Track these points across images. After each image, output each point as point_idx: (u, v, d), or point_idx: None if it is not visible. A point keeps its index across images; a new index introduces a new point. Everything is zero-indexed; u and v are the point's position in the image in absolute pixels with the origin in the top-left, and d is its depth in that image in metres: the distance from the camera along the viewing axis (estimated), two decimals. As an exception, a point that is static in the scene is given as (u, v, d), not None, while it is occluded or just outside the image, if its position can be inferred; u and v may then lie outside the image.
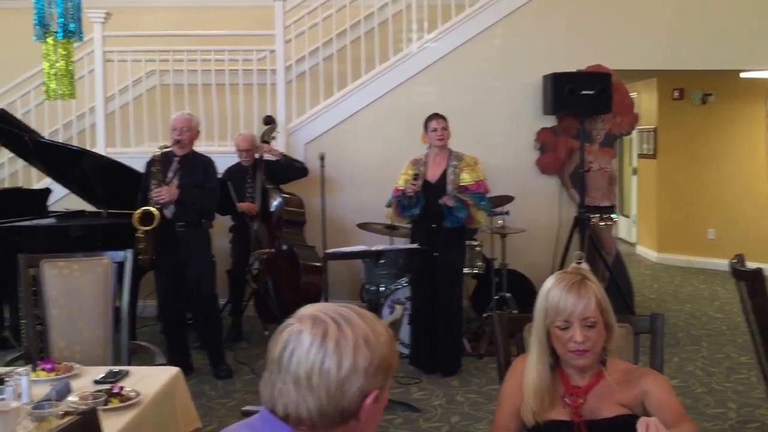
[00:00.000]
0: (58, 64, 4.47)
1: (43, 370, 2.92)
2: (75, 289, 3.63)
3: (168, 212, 5.36)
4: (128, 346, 3.71)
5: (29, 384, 2.62)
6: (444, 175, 5.44)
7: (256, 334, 6.57)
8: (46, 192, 6.30)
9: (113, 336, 3.68)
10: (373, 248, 5.02)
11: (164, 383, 2.91)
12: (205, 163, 5.50)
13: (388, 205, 5.57)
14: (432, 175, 5.49)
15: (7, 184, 7.44)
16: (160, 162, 5.38)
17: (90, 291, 3.65)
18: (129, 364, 3.64)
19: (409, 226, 5.87)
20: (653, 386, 2.17)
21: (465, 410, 4.86)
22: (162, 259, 5.40)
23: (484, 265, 6.33)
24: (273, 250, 6.28)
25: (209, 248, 5.65)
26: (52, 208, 6.79)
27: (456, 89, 7.13)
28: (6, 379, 2.58)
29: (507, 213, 6.38)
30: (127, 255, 3.72)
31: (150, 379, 2.92)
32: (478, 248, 6.25)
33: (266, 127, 6.64)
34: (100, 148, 7.10)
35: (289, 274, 6.28)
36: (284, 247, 6.34)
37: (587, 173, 6.94)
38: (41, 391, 2.69)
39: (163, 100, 7.31)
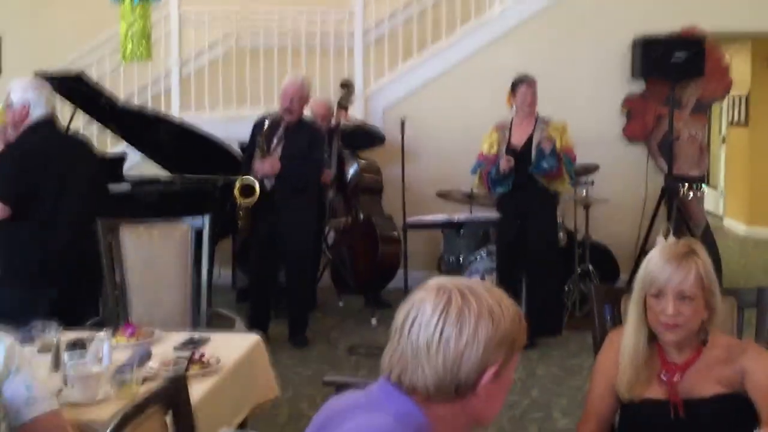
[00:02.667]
0: (135, 25, 4.43)
1: (124, 335, 2.87)
2: (154, 255, 3.59)
3: (269, 182, 5.26)
4: (207, 313, 3.66)
5: (110, 349, 2.57)
6: (530, 140, 5.24)
7: (330, 304, 6.47)
8: (121, 157, 6.30)
9: (192, 303, 3.63)
10: (455, 218, 4.84)
11: (245, 351, 2.85)
12: (311, 133, 5.36)
13: (474, 172, 5.38)
14: (517, 140, 5.30)
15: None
16: (265, 128, 5.24)
17: (169, 257, 3.61)
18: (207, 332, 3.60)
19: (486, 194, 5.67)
20: (754, 364, 2.04)
21: (545, 384, 4.71)
22: (259, 227, 5.30)
23: (566, 236, 6.10)
24: (349, 219, 6.17)
25: (311, 216, 5.47)
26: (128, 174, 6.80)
27: (539, 52, 6.84)
28: (87, 343, 2.53)
29: (591, 182, 6.12)
30: (205, 221, 3.65)
31: (230, 347, 2.85)
32: (559, 219, 6.01)
33: (343, 92, 6.50)
34: (174, 112, 7.09)
35: (365, 245, 6.16)
36: (361, 217, 6.22)
37: (676, 141, 6.65)
38: (121, 356, 2.64)
39: (238, 64, 7.24)
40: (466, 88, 6.92)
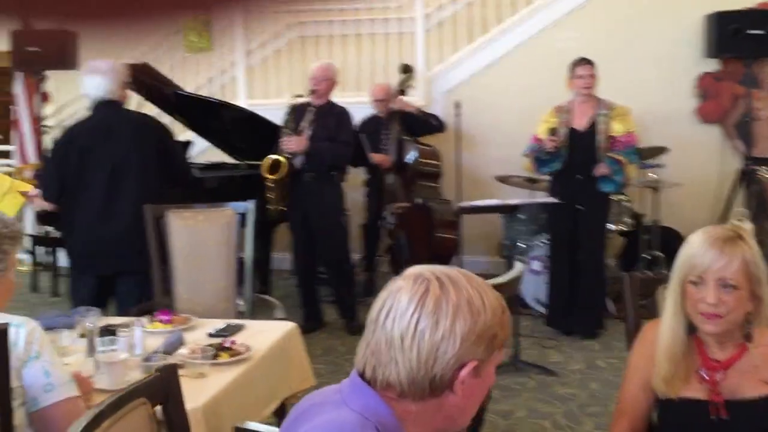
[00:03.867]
0: (197, 18, 4.46)
1: (160, 321, 2.88)
2: (199, 241, 3.60)
3: (297, 162, 5.28)
4: (251, 299, 3.65)
5: (142, 336, 2.58)
6: (593, 124, 5.07)
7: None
8: (186, 144, 6.38)
9: (236, 288, 3.63)
10: (508, 202, 4.73)
11: (278, 338, 2.81)
12: (339, 114, 5.36)
13: (526, 155, 5.26)
14: (579, 123, 5.13)
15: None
16: (295, 111, 5.31)
17: (213, 242, 3.61)
18: (252, 318, 3.59)
19: (548, 178, 5.52)
20: None
21: (605, 377, 4.53)
22: (291, 210, 5.33)
23: (633, 221, 5.88)
24: (407, 203, 6.10)
25: (339, 201, 5.47)
26: (195, 161, 6.90)
27: (605, 32, 6.59)
28: (120, 330, 2.54)
29: (659, 166, 5.87)
30: (249, 206, 3.64)
31: (265, 334, 2.83)
32: (626, 203, 5.81)
33: (403, 76, 6.42)
34: (241, 100, 7.14)
35: (423, 229, 6.09)
36: (418, 201, 6.14)
37: (755, 122, 6.32)
38: (157, 342, 2.65)
39: (302, 52, 7.25)
40: (528, 71, 6.74)
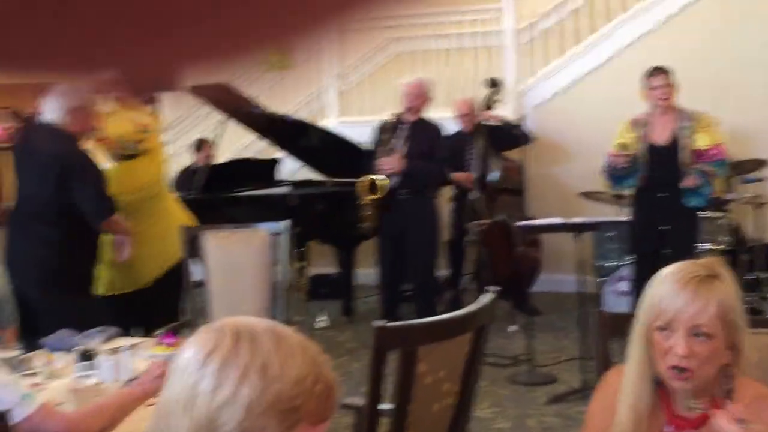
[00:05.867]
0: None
1: (166, 344, 2.91)
2: (234, 261, 3.64)
3: (392, 180, 5.26)
4: (284, 321, 3.65)
5: (130, 360, 2.61)
6: (675, 138, 4.73)
7: (474, 307, 6.26)
8: (274, 162, 6.52)
9: (271, 309, 3.64)
10: (571, 221, 4.49)
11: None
12: (434, 132, 5.34)
13: (602, 172, 4.98)
14: (659, 137, 4.79)
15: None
16: (387, 128, 5.32)
17: (248, 263, 3.64)
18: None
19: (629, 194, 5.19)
20: None
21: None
22: (384, 226, 5.33)
23: (733, 239, 5.44)
24: (489, 220, 5.94)
25: (433, 218, 5.44)
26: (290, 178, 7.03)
27: (702, 38, 6.16)
28: (103, 354, 2.58)
29: (761, 179, 5.41)
30: (283, 226, 3.65)
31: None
32: (722, 220, 5.38)
33: (489, 91, 6.26)
34: (333, 118, 7.21)
35: (504, 246, 5.90)
36: (500, 218, 5.96)
37: None
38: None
39: (391, 69, 7.24)
40: (621, 82, 6.38)
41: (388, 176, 5.21)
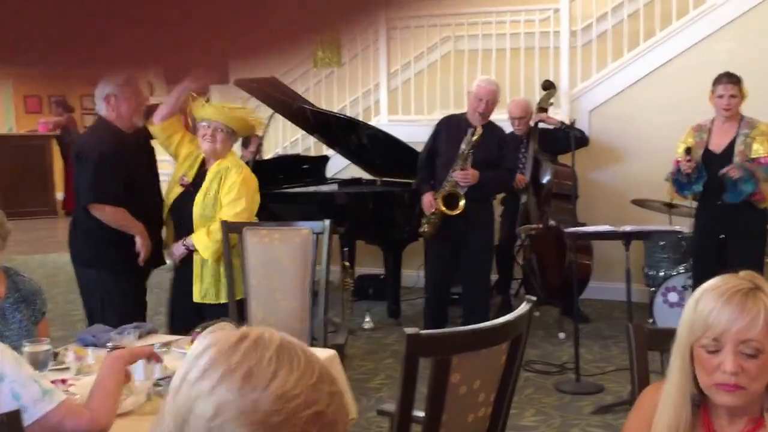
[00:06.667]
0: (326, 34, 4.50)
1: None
2: (274, 259, 3.60)
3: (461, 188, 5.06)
4: (323, 321, 3.60)
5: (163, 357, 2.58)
6: (732, 145, 4.56)
7: (523, 313, 6.14)
8: (324, 159, 6.48)
9: (311, 309, 3.59)
10: (621, 229, 4.34)
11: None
12: (503, 138, 5.15)
13: (668, 179, 4.82)
14: (716, 144, 4.64)
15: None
16: (449, 127, 5.06)
17: (289, 261, 3.60)
18: (325, 339, 3.54)
19: (689, 204, 5.03)
20: None
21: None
22: (443, 231, 5.13)
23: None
24: (540, 225, 5.80)
25: (491, 223, 5.27)
26: (340, 176, 6.98)
27: (761, 43, 5.91)
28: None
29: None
30: (325, 225, 3.59)
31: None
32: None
33: (544, 93, 6.13)
34: (383, 116, 7.15)
35: (554, 252, 5.77)
36: (551, 223, 5.82)
37: None
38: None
39: (450, 67, 7.14)
40: (675, 89, 6.19)
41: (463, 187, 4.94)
